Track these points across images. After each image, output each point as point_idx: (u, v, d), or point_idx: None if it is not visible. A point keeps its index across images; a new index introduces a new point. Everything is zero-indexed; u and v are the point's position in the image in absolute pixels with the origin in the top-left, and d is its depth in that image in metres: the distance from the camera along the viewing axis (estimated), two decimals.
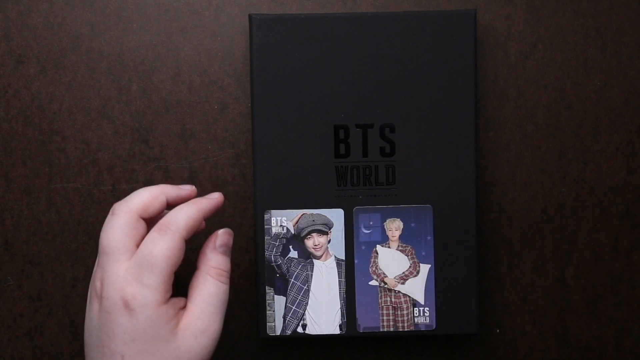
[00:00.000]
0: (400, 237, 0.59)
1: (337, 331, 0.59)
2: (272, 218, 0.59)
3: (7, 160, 0.61)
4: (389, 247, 0.59)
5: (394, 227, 0.59)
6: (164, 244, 0.48)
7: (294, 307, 0.59)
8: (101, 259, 0.49)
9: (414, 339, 0.62)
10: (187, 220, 0.49)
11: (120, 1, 0.61)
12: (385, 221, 0.59)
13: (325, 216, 0.59)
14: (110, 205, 0.61)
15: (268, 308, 0.59)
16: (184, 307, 0.50)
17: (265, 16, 0.58)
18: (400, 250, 0.59)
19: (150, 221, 0.52)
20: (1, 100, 0.61)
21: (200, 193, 0.61)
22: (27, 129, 0.61)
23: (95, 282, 0.49)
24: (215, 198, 0.52)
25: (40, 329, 0.62)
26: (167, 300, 0.48)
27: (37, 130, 0.61)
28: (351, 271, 0.59)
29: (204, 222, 0.54)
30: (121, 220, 0.49)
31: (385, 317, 0.59)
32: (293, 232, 0.59)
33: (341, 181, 0.59)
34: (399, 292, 0.59)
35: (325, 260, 0.59)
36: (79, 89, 0.61)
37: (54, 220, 0.61)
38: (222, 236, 0.51)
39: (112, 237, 0.49)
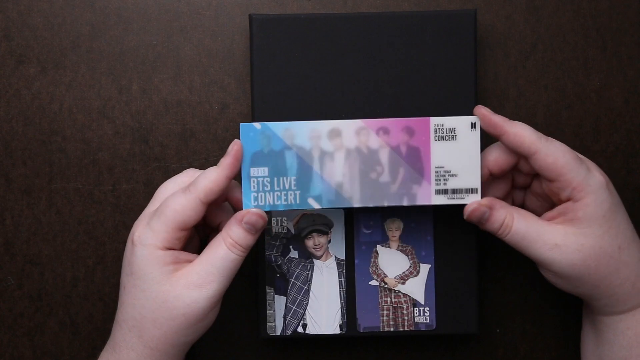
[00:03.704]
0: (401, 237, 0.59)
1: (337, 331, 0.59)
2: (273, 218, 0.59)
3: (7, 160, 0.61)
4: (389, 247, 0.59)
5: (394, 227, 0.59)
6: (179, 200, 0.51)
7: (294, 307, 0.59)
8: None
9: (414, 339, 0.62)
10: (207, 184, 0.51)
11: (121, 1, 0.61)
12: (386, 221, 0.59)
13: (326, 216, 0.59)
14: (110, 205, 0.61)
15: (268, 308, 0.59)
16: (191, 261, 0.52)
17: (265, 16, 0.58)
18: (401, 250, 0.59)
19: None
20: (1, 100, 0.61)
21: None
22: (27, 129, 0.61)
23: None
24: (232, 150, 0.52)
25: (40, 329, 0.62)
26: (165, 248, 0.51)
27: (37, 130, 0.61)
28: (351, 271, 0.59)
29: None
30: (185, 178, 0.54)
31: (385, 317, 0.59)
32: (293, 232, 0.59)
33: None
34: (399, 292, 0.59)
35: (326, 260, 0.59)
36: (79, 89, 0.61)
37: (54, 220, 0.61)
38: (251, 215, 0.52)
39: (166, 190, 0.54)
